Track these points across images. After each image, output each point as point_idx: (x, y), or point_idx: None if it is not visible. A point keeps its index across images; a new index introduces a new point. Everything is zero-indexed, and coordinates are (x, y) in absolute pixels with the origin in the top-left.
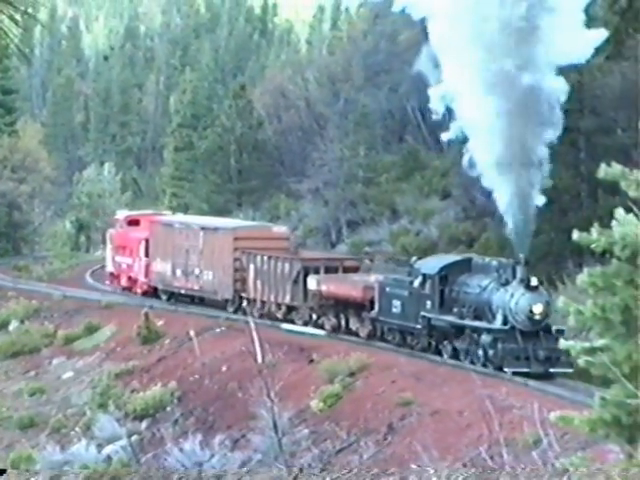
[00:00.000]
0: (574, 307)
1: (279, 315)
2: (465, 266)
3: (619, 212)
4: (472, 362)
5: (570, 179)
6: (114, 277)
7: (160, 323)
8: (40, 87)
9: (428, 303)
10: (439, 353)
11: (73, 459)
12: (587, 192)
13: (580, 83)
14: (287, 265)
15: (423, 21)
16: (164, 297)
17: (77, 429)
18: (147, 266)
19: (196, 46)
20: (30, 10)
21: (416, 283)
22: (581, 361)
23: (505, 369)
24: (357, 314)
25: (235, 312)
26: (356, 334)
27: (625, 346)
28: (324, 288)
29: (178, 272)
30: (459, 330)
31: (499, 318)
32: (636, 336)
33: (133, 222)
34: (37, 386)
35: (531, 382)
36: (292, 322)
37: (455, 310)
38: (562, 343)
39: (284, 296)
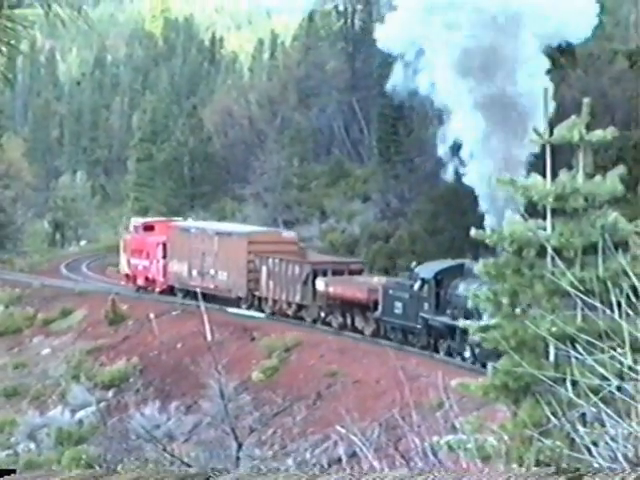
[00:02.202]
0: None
1: (290, 312)
2: (458, 270)
3: (508, 213)
4: (463, 359)
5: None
6: (129, 278)
7: (125, 307)
8: (22, 108)
9: (426, 305)
10: (436, 350)
11: (50, 422)
12: None
13: None
14: (297, 267)
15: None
16: (180, 295)
17: (54, 397)
18: (165, 267)
19: (155, 73)
20: (13, 42)
21: (416, 286)
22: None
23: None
24: (362, 313)
25: (248, 308)
26: (361, 332)
27: (512, 324)
28: (331, 289)
29: (194, 272)
30: (452, 329)
31: (485, 319)
32: (522, 316)
33: (149, 228)
34: (19, 361)
35: (436, 355)
36: (302, 319)
37: (448, 311)
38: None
39: (294, 295)
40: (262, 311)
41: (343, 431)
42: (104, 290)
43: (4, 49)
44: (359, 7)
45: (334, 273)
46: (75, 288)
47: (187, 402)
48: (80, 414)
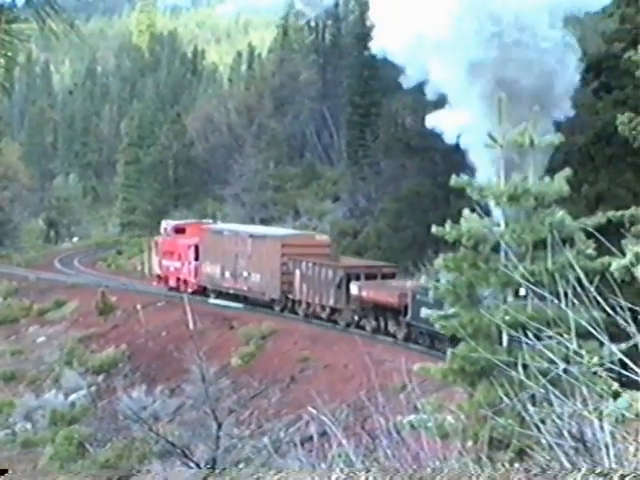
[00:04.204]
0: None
1: (323, 315)
2: None
3: (465, 212)
4: None
5: (429, 186)
6: (161, 279)
7: (114, 299)
8: (19, 115)
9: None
10: None
11: (45, 404)
12: (442, 196)
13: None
14: (331, 271)
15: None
16: (213, 295)
17: (48, 381)
18: (197, 268)
19: (142, 83)
20: (10, 54)
21: None
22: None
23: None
24: (394, 317)
25: (282, 310)
26: (393, 336)
27: (469, 313)
28: (364, 294)
29: (227, 274)
30: None
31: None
32: (477, 306)
33: (180, 230)
34: (17, 348)
35: (399, 342)
36: (336, 323)
37: None
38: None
39: (328, 299)
40: (296, 313)
41: (314, 412)
42: (94, 283)
43: (2, 61)
44: (329, 23)
45: (367, 277)
46: (68, 281)
47: (171, 386)
48: (72, 397)
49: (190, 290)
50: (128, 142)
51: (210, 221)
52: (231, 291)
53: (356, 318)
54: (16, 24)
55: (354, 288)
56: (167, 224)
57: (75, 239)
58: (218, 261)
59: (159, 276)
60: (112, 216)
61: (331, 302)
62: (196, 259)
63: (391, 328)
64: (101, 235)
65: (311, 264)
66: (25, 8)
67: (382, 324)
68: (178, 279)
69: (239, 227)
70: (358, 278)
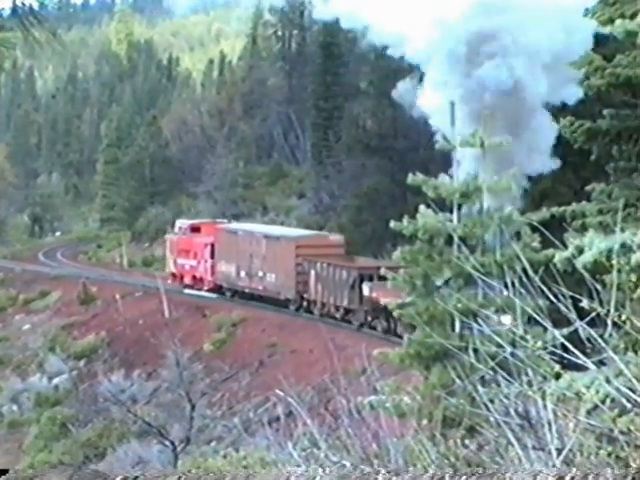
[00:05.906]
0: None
1: (337, 315)
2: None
3: (421, 208)
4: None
5: (388, 184)
6: (175, 277)
7: (94, 289)
8: (5, 118)
9: None
10: None
11: (30, 388)
12: (399, 193)
13: (394, 115)
14: (345, 272)
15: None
16: (228, 294)
17: (33, 366)
18: (212, 267)
19: (120, 88)
20: None
21: None
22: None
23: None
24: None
25: (297, 310)
26: (400, 336)
27: (424, 302)
28: (375, 294)
29: (242, 273)
30: None
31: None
32: (432, 295)
33: (195, 229)
34: (3, 335)
35: (363, 329)
36: (350, 323)
37: None
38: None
39: (342, 300)
40: (311, 313)
41: (281, 394)
42: (76, 274)
43: None
44: (295, 32)
45: (380, 278)
46: (51, 273)
47: (148, 370)
48: (56, 380)
49: (206, 288)
50: (107, 143)
51: (224, 220)
52: (246, 290)
53: (369, 319)
54: (2, 33)
55: (366, 289)
56: (182, 223)
57: (58, 234)
58: (233, 260)
59: (173, 274)
60: (92, 212)
61: (345, 303)
62: (212, 257)
63: (399, 329)
64: (82, 230)
65: (326, 264)
66: (10, 18)
67: (392, 325)
68: (194, 277)
69: (254, 227)
70: (371, 279)
